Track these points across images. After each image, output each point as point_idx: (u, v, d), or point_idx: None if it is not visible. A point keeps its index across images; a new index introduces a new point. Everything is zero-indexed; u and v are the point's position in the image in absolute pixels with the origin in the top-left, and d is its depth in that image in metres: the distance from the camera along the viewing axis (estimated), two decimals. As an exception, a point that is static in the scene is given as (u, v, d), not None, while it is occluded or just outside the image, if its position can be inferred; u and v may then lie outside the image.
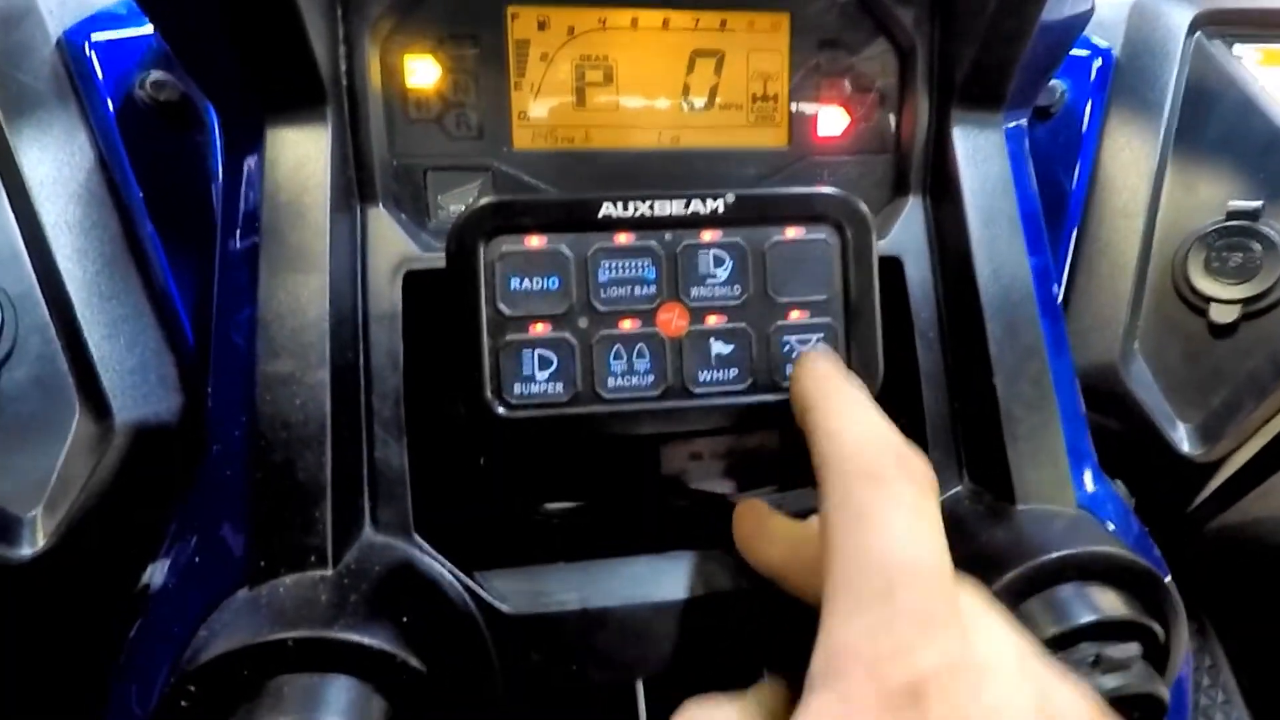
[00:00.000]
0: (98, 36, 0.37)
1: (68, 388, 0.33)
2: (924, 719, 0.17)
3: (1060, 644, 0.26)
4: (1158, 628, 0.27)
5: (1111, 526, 0.33)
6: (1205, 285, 0.42)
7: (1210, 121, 0.44)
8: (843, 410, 0.22)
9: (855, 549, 0.19)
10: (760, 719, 0.22)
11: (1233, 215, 0.42)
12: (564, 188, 0.33)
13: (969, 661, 0.18)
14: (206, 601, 0.26)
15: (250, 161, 0.31)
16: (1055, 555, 0.27)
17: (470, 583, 0.28)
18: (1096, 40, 0.47)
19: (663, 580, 0.30)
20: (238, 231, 0.31)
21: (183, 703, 0.22)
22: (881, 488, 0.20)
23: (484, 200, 0.27)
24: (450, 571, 0.28)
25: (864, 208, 0.29)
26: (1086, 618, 0.26)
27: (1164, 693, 0.26)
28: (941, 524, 0.20)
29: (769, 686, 0.24)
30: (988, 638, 0.19)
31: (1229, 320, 0.42)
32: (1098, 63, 0.46)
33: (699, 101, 0.34)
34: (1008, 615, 0.21)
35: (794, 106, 0.35)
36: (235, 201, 0.31)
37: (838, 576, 0.19)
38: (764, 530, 0.27)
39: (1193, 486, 0.47)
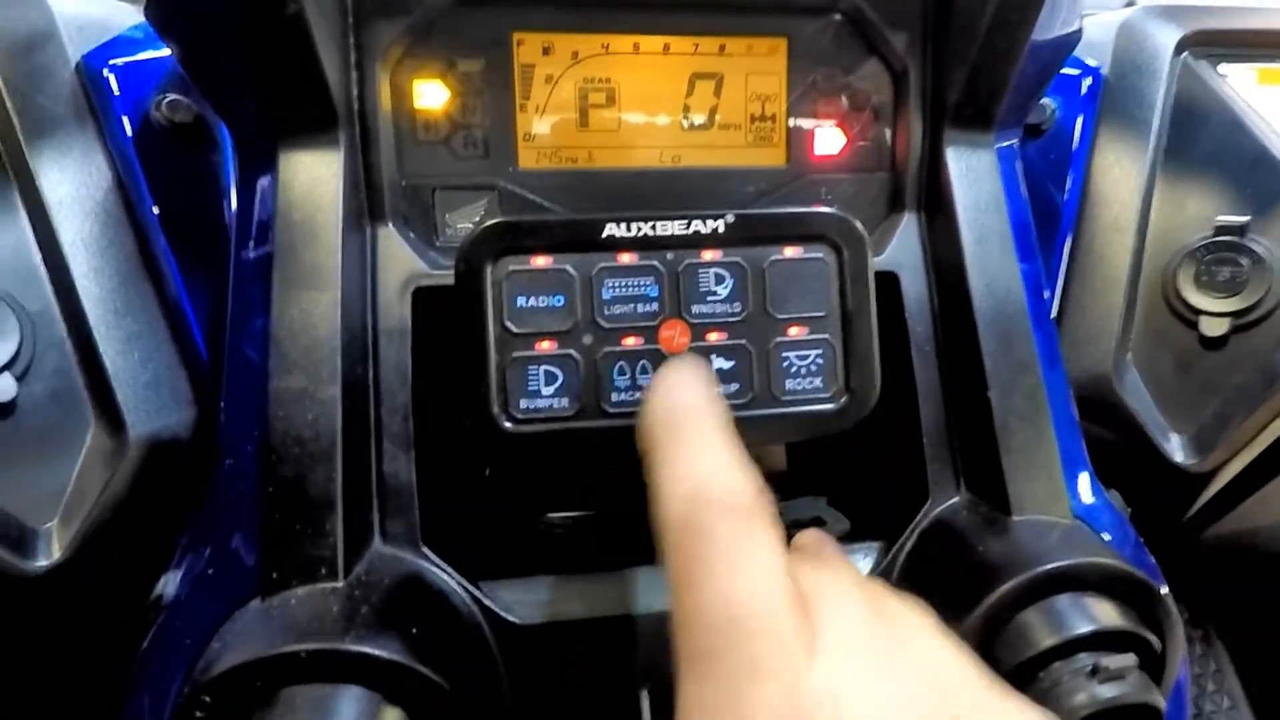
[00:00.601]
0: (115, 60, 0.38)
1: (83, 402, 0.34)
2: None
3: (1057, 654, 0.26)
4: (1153, 638, 0.27)
5: (1107, 536, 0.34)
6: (1195, 298, 0.43)
7: (1197, 139, 0.45)
8: (673, 461, 0.22)
9: (684, 601, 0.19)
10: None
11: (1220, 230, 0.43)
12: (568, 206, 0.34)
13: (803, 696, 0.18)
14: (219, 612, 0.26)
15: (264, 181, 0.32)
16: (1051, 566, 0.27)
17: (477, 593, 0.29)
18: (1086, 59, 0.48)
19: (666, 590, 0.30)
20: (251, 249, 0.32)
21: (197, 713, 0.23)
22: (693, 538, 0.20)
23: (491, 221, 0.28)
24: (457, 582, 0.29)
25: (860, 227, 0.30)
26: (1083, 628, 0.26)
27: (1160, 702, 0.26)
28: (776, 554, 0.20)
29: None
30: (825, 661, 0.19)
31: (1219, 333, 0.43)
32: (1087, 81, 0.47)
33: (699, 122, 0.35)
34: (856, 585, 0.21)
35: (791, 126, 0.36)
36: (249, 220, 0.32)
37: (677, 630, 0.20)
38: None
39: (1187, 496, 0.47)
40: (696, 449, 0.22)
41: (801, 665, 0.18)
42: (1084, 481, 0.36)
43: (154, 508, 0.34)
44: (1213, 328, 0.43)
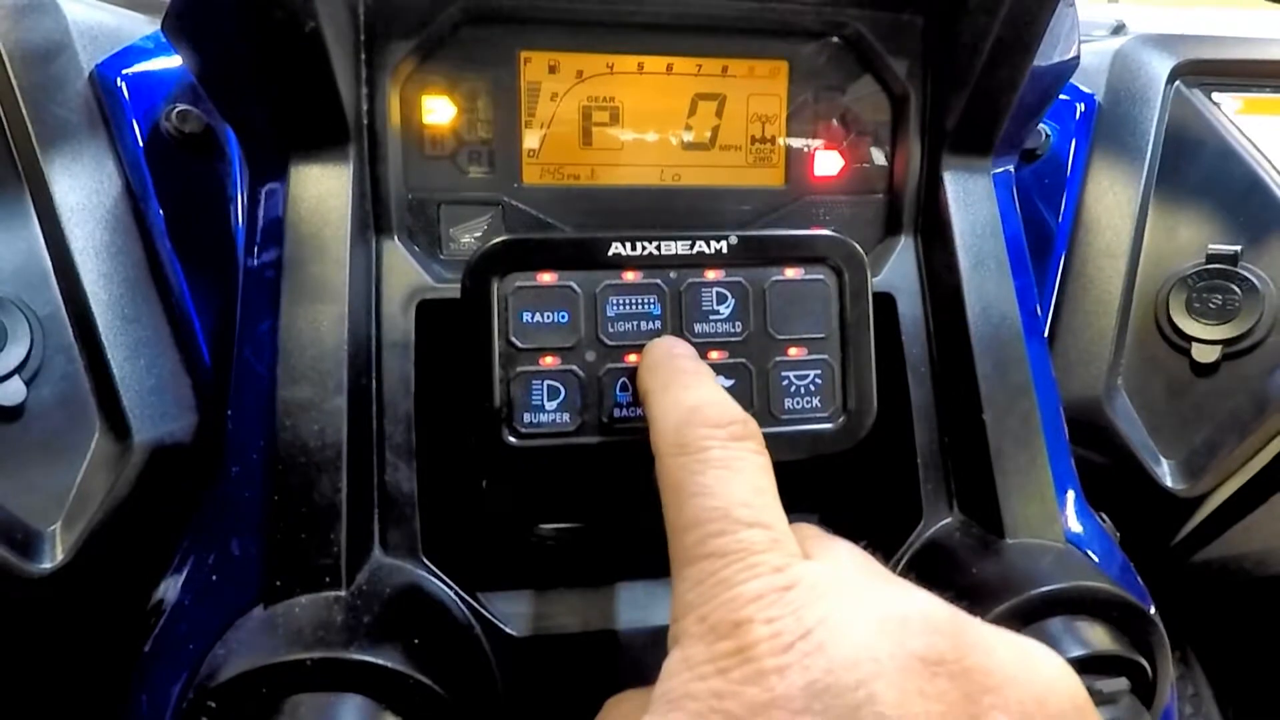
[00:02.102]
0: (127, 70, 0.38)
1: (89, 406, 0.34)
2: (750, 648, 0.17)
3: None
4: (1144, 662, 0.28)
5: (1096, 559, 0.34)
6: (1187, 325, 0.44)
7: (1190, 167, 0.46)
8: (665, 393, 0.24)
9: (678, 514, 0.20)
10: None
11: (1213, 258, 0.44)
12: (570, 222, 0.35)
13: (790, 585, 0.18)
14: (222, 618, 0.27)
15: (272, 192, 0.32)
16: (1045, 590, 0.27)
17: (475, 605, 0.29)
18: (1080, 86, 0.49)
19: (660, 604, 0.31)
20: (259, 260, 0.32)
21: (201, 718, 0.23)
22: (688, 456, 0.21)
23: (499, 239, 0.28)
24: (456, 593, 0.29)
25: (860, 251, 0.30)
26: (1075, 652, 0.26)
27: None
28: (764, 473, 0.21)
29: None
30: (824, 564, 0.19)
31: (1210, 360, 0.44)
32: (1081, 107, 0.48)
33: (700, 141, 0.36)
34: (851, 546, 0.22)
35: (791, 148, 0.36)
36: (257, 231, 0.33)
37: (671, 539, 0.20)
38: None
39: (1176, 520, 0.48)
40: (688, 382, 0.24)
41: (795, 558, 0.19)
42: (1073, 503, 0.37)
43: (155, 512, 0.34)
44: (1204, 355, 0.43)
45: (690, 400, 0.23)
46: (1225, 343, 0.43)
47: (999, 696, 0.17)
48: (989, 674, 0.17)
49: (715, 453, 0.21)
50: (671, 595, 0.20)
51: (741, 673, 0.17)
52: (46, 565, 0.31)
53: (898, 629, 0.17)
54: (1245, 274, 0.43)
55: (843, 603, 0.18)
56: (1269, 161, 0.45)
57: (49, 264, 0.34)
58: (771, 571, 0.18)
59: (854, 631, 0.17)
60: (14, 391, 0.32)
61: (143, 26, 0.42)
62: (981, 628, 0.18)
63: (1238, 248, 0.44)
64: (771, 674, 0.17)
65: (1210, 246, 0.44)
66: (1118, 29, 0.75)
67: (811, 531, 0.23)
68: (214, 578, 0.29)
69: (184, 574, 0.30)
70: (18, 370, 0.32)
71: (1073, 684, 0.18)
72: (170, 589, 0.30)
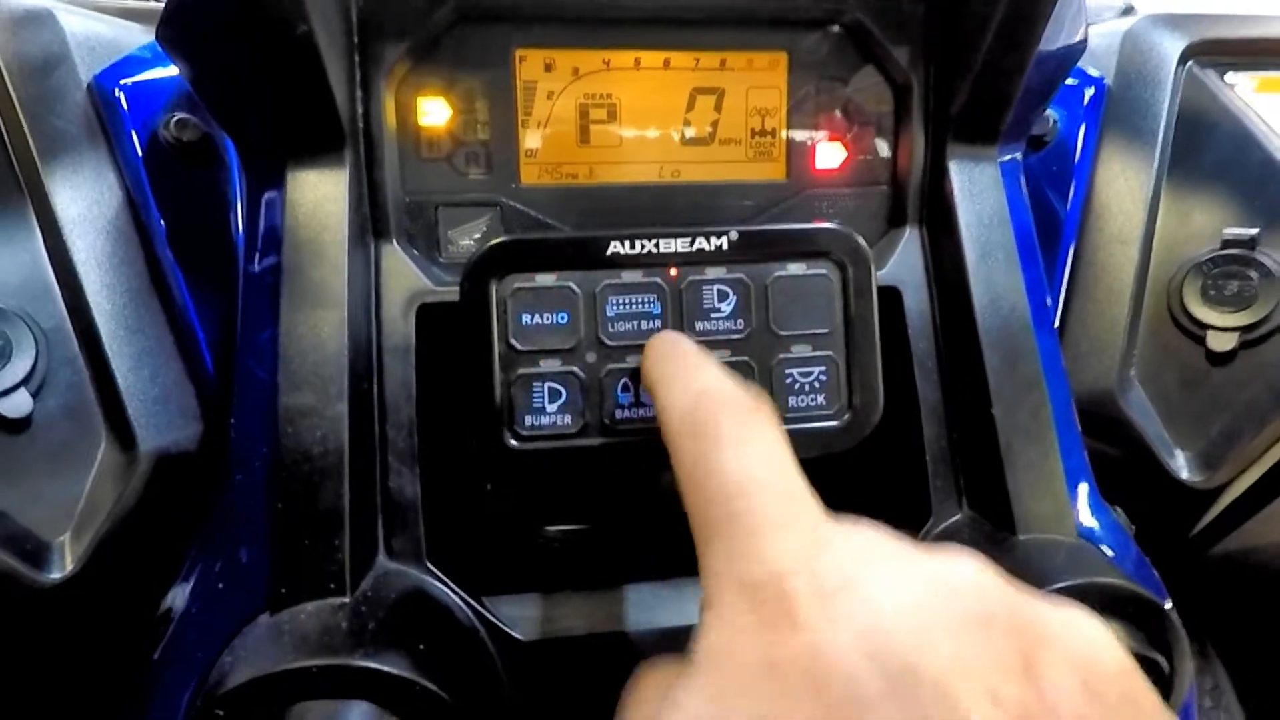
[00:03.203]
0: (125, 80, 0.39)
1: (95, 417, 0.34)
2: (793, 597, 0.16)
3: None
4: (1162, 659, 0.27)
5: (1110, 554, 0.34)
6: (1202, 313, 0.43)
7: (1204, 150, 0.45)
8: (672, 380, 0.23)
9: (699, 493, 0.20)
10: None
11: (1228, 243, 0.43)
12: (570, 221, 0.34)
13: (831, 548, 0.17)
14: (228, 626, 0.27)
15: (271, 199, 0.32)
16: (1056, 587, 0.27)
17: (480, 609, 0.29)
18: (1089, 69, 0.48)
19: (666, 606, 0.30)
20: (259, 266, 0.32)
21: (208, 727, 0.23)
22: (706, 435, 0.20)
23: (496, 240, 0.28)
24: (461, 598, 0.29)
25: (864, 244, 0.30)
26: None
27: None
28: (781, 444, 0.20)
29: None
30: (854, 528, 0.18)
31: (1227, 348, 0.42)
32: (1090, 91, 0.47)
33: (699, 137, 0.35)
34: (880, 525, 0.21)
35: (792, 141, 0.36)
36: (257, 237, 0.33)
37: (694, 519, 0.20)
38: None
39: (1192, 513, 0.47)
40: (696, 366, 0.24)
41: (822, 519, 0.18)
42: (1086, 497, 0.36)
43: (162, 521, 0.34)
44: (1220, 343, 0.42)
45: (697, 384, 0.22)
46: (1242, 330, 0.42)
47: (1052, 652, 0.16)
48: (1041, 631, 0.16)
49: (728, 429, 0.20)
50: (701, 575, 0.19)
51: (788, 623, 0.16)
52: (56, 575, 0.32)
53: (945, 587, 0.17)
54: (1262, 259, 0.42)
55: (888, 561, 0.17)
56: (1286, 143, 0.43)
57: (52, 276, 0.34)
58: (808, 527, 0.18)
59: (901, 586, 0.17)
60: (20, 404, 0.32)
61: (139, 36, 0.42)
62: (1029, 591, 0.18)
63: (1254, 232, 0.42)
64: (820, 622, 0.16)
65: (1226, 231, 0.43)
66: (1126, 11, 0.73)
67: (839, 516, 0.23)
68: (221, 585, 0.29)
69: (191, 582, 0.31)
70: (24, 382, 0.32)
71: (1119, 650, 0.17)
72: (178, 597, 0.31)
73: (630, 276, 0.29)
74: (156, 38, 0.32)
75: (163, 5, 0.31)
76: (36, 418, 0.33)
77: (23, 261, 0.34)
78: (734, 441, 0.20)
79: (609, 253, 0.29)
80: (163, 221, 0.38)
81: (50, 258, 0.34)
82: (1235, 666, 0.58)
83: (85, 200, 0.36)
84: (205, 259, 0.38)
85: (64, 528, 0.33)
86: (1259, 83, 0.46)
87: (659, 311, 0.29)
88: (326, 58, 0.28)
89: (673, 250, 0.29)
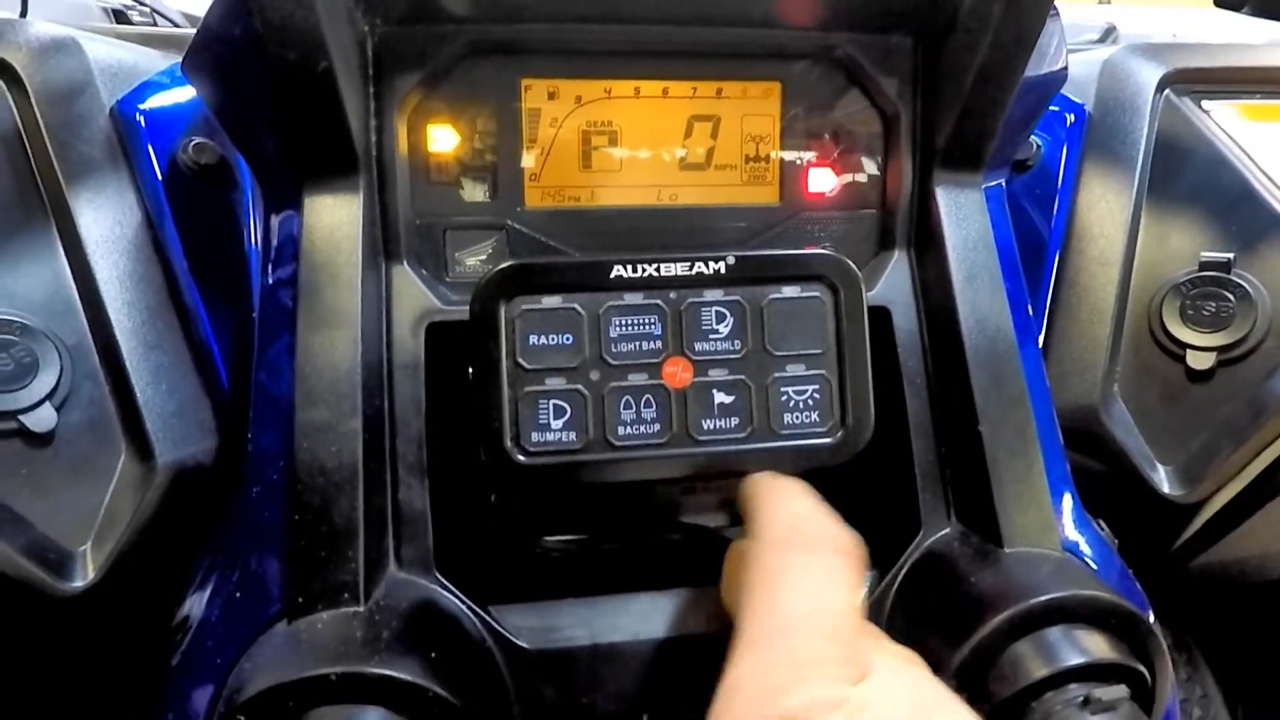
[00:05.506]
0: (145, 105, 0.40)
1: (115, 430, 0.35)
2: None
3: (1050, 685, 0.26)
4: (1143, 669, 0.28)
5: (1094, 567, 0.35)
6: (1181, 333, 0.44)
7: (1181, 175, 0.46)
8: (777, 499, 0.26)
9: (758, 601, 0.22)
10: None
11: (1205, 265, 0.44)
12: (571, 242, 0.36)
13: (843, 701, 0.20)
14: (245, 633, 0.28)
15: (287, 221, 0.34)
16: (1044, 599, 0.28)
17: (488, 618, 0.30)
18: (1070, 96, 0.49)
19: (668, 617, 0.31)
20: (275, 286, 0.33)
21: (229, 732, 0.24)
22: (794, 553, 0.23)
23: (506, 264, 0.29)
24: (469, 608, 0.30)
25: (855, 268, 0.31)
26: (1074, 660, 0.27)
27: None
28: (854, 587, 0.23)
29: None
30: (878, 683, 0.21)
31: (1206, 367, 0.44)
32: (1071, 118, 0.49)
33: (696, 162, 0.37)
34: (915, 660, 0.23)
35: (785, 166, 0.37)
36: (272, 258, 0.34)
37: (742, 623, 0.22)
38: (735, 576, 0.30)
39: (1175, 527, 0.48)
40: (797, 497, 0.26)
41: (855, 678, 0.21)
42: (1070, 511, 0.37)
43: (179, 531, 0.35)
44: (1199, 361, 0.44)
45: (802, 508, 0.25)
46: (1220, 349, 0.44)
47: None
48: None
49: (819, 559, 0.23)
50: (728, 659, 0.21)
51: None
52: (78, 584, 0.33)
53: None
54: (1238, 281, 0.44)
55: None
56: (1259, 168, 0.45)
57: (75, 294, 0.36)
58: (833, 684, 0.20)
59: None
60: (45, 418, 0.33)
61: (158, 61, 0.44)
62: None
63: (1230, 255, 0.44)
64: None
65: (1203, 254, 0.44)
66: (1107, 32, 0.76)
67: (879, 637, 0.25)
68: (237, 594, 0.30)
69: (208, 591, 0.32)
70: (48, 397, 0.34)
71: None
72: (195, 605, 0.32)
73: (632, 298, 0.30)
74: (182, 66, 0.33)
75: (191, 35, 0.32)
76: (59, 431, 0.34)
77: (48, 280, 0.35)
78: (816, 573, 0.22)
79: (612, 276, 0.30)
80: (180, 242, 0.39)
81: (74, 277, 0.36)
82: (1223, 675, 0.59)
83: (107, 221, 0.37)
84: (220, 277, 0.39)
85: (85, 538, 0.34)
86: (1246, 110, 0.47)
87: (660, 332, 0.30)
88: (344, 90, 0.30)
89: (673, 274, 0.30)
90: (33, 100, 0.36)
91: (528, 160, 0.35)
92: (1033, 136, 0.47)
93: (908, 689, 0.22)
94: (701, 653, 0.30)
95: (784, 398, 0.31)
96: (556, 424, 0.29)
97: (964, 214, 0.36)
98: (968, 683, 0.27)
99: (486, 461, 0.29)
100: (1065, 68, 0.38)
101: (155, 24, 0.76)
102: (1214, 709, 0.57)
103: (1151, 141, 0.46)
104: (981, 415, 0.33)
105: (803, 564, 0.23)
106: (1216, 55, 0.49)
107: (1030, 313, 0.40)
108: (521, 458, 0.29)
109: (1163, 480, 0.45)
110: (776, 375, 0.31)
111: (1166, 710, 0.30)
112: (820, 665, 0.20)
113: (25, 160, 0.36)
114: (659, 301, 0.30)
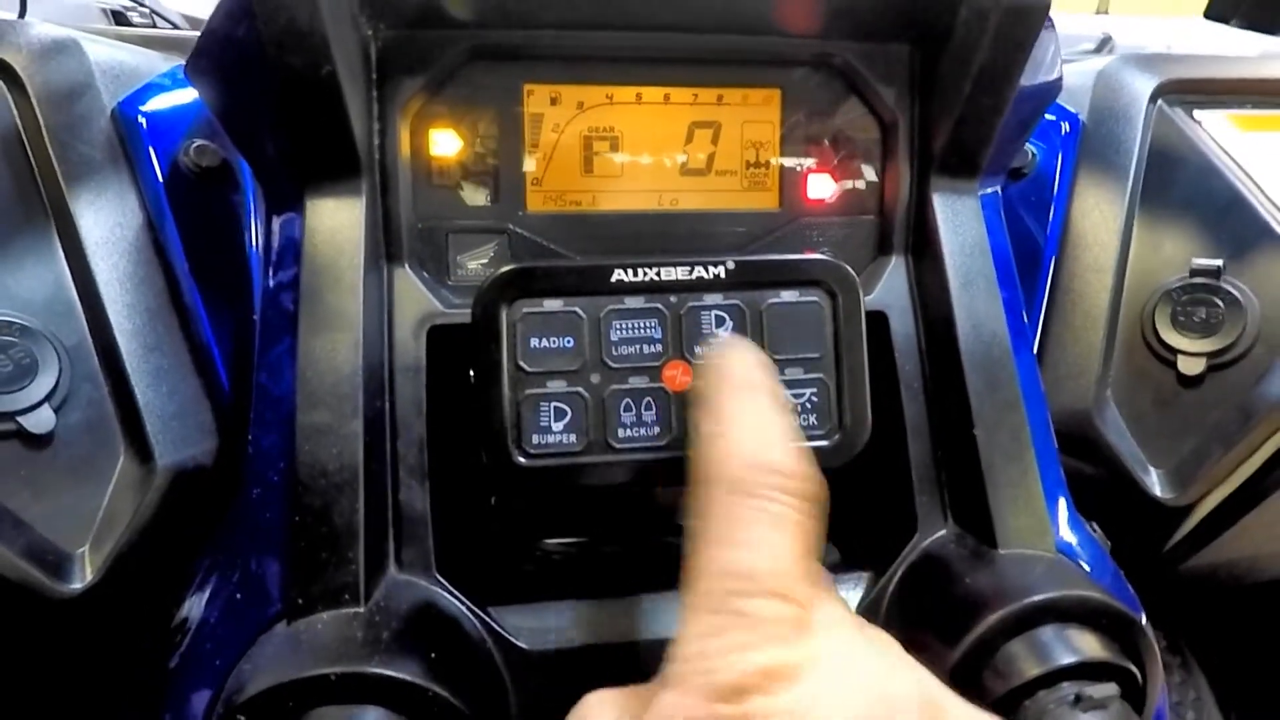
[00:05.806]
0: (147, 107, 0.40)
1: (114, 432, 0.35)
2: (746, 718, 0.18)
3: (1042, 684, 0.27)
4: (1134, 669, 0.28)
5: (1087, 568, 0.35)
6: (1172, 338, 0.45)
7: (1173, 183, 0.47)
8: (726, 412, 0.22)
9: (706, 559, 0.20)
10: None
11: (1196, 272, 0.45)
12: (573, 247, 0.36)
13: (794, 664, 0.19)
14: (245, 634, 0.28)
15: (288, 225, 0.34)
16: (1037, 599, 0.28)
17: (487, 619, 0.30)
18: (1065, 105, 0.50)
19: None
20: (276, 289, 0.34)
21: (230, 733, 0.24)
22: (745, 498, 0.20)
23: (508, 267, 0.30)
24: (469, 609, 0.30)
25: (853, 274, 0.32)
26: (1066, 659, 0.27)
27: None
28: (808, 533, 0.20)
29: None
30: (828, 642, 0.20)
31: (1196, 372, 0.44)
32: (1066, 127, 0.49)
33: (697, 167, 0.37)
34: (861, 622, 0.22)
35: (784, 172, 0.38)
36: (274, 261, 0.34)
37: (689, 583, 0.20)
38: None
39: (1166, 529, 0.49)
40: (767, 420, 0.21)
41: (806, 635, 0.20)
42: (1064, 513, 0.38)
43: (178, 533, 0.35)
44: (1190, 367, 0.44)
45: (767, 435, 0.21)
46: (1210, 355, 0.44)
47: None
48: None
49: (772, 506, 0.20)
50: (678, 622, 0.20)
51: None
52: (77, 586, 0.33)
53: (885, 710, 0.19)
54: (1228, 288, 0.45)
55: (838, 683, 0.19)
56: (1250, 177, 0.46)
57: (75, 296, 0.36)
58: (781, 646, 0.19)
59: (845, 712, 0.19)
60: (44, 419, 0.33)
61: (158, 63, 0.44)
62: (962, 707, 0.20)
63: (1220, 262, 0.45)
64: None
65: (1194, 261, 0.45)
66: (1104, 43, 0.77)
67: (829, 588, 0.23)
68: (237, 595, 0.30)
69: (207, 592, 0.32)
70: (47, 398, 0.34)
71: None
72: (194, 607, 0.32)
73: (633, 302, 0.30)
74: (186, 69, 0.34)
75: (192, 37, 0.32)
76: (58, 433, 0.34)
77: (47, 281, 0.35)
78: (771, 523, 0.20)
79: (613, 280, 0.30)
80: (181, 244, 0.39)
81: (74, 278, 0.36)
82: (1215, 676, 0.59)
83: (108, 223, 0.37)
84: (221, 279, 0.39)
85: (84, 539, 0.34)
86: (1238, 120, 0.48)
87: (660, 336, 0.30)
88: (347, 94, 0.30)
89: (673, 278, 0.30)
90: (33, 101, 0.36)
91: (529, 165, 0.36)
92: (1028, 145, 0.47)
93: (853, 649, 0.21)
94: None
95: None
96: (557, 426, 0.30)
97: (960, 220, 0.36)
98: (963, 681, 0.28)
99: (487, 463, 0.29)
100: (1060, 77, 0.39)
101: (155, 25, 0.76)
102: (1207, 712, 0.58)
103: (1144, 150, 0.47)
104: (977, 419, 0.33)
105: (750, 514, 0.20)
106: (1209, 66, 0.50)
107: (1025, 318, 0.40)
108: (522, 460, 0.29)
109: (1155, 483, 0.45)
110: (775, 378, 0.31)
111: (1157, 709, 0.31)
112: (769, 627, 0.19)
113: (25, 161, 0.36)
114: (659, 305, 0.30)
